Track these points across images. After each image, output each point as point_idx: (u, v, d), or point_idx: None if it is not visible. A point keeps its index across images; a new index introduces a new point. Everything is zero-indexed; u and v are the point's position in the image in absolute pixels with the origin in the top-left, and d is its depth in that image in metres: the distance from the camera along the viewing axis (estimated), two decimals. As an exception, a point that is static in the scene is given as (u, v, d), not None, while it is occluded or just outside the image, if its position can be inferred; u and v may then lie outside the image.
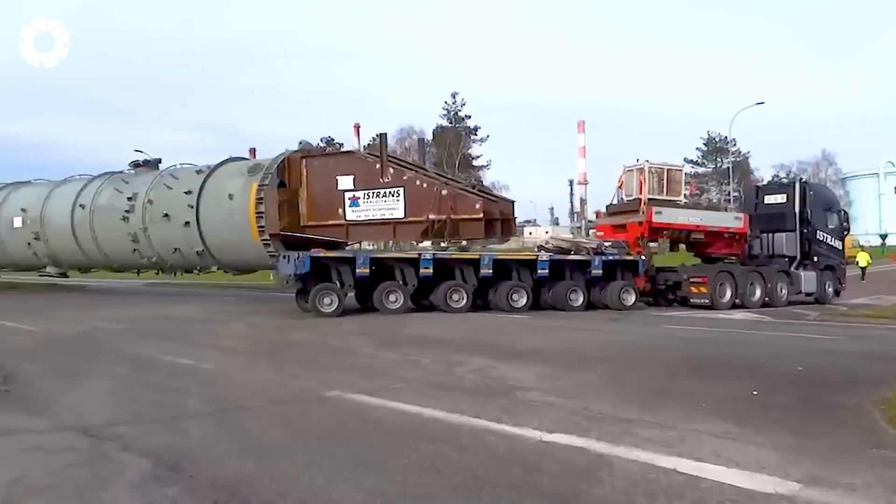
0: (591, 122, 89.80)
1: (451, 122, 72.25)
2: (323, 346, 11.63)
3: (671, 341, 12.40)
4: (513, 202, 20.13)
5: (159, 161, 23.61)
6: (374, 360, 9.92)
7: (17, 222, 25.46)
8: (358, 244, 21.12)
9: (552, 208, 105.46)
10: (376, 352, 10.67)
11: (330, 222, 18.55)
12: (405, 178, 17.87)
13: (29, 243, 25.28)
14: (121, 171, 24.07)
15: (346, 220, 18.30)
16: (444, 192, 17.41)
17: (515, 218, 20.39)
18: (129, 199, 21.66)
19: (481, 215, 17.21)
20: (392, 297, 16.70)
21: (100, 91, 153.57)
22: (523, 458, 4.85)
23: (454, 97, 72.66)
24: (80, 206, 23.33)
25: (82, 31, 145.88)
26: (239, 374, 8.73)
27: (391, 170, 18.00)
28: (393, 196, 17.68)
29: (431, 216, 17.15)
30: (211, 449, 5.16)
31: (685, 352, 10.66)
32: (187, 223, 20.07)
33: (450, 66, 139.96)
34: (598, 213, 23.89)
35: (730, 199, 55.12)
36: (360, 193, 18.06)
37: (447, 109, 73.03)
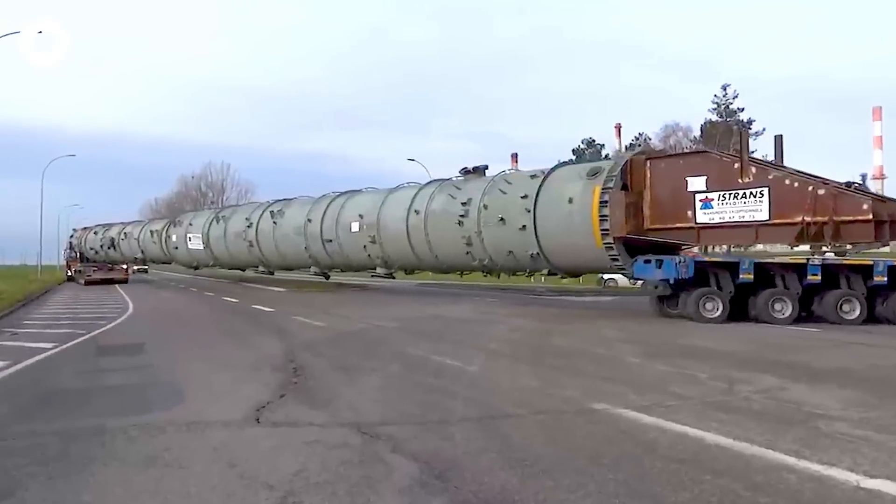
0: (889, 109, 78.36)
1: (721, 117, 67.29)
2: (586, 353, 11.17)
3: None
4: None
5: (486, 167, 24.36)
6: (643, 371, 9.22)
7: (355, 227, 27.77)
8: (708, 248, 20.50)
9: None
10: (645, 362, 9.93)
11: (677, 225, 17.71)
12: (770, 177, 16.44)
13: (364, 246, 27.22)
14: (449, 178, 25.31)
15: (696, 223, 17.33)
16: (821, 191, 15.71)
17: None
18: (464, 204, 22.45)
19: (870, 217, 15.22)
20: (778, 306, 15.70)
21: (381, 106, 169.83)
22: (838, 509, 3.98)
23: (724, 89, 67.64)
24: (415, 211, 24.68)
25: (362, 43, 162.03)
26: (503, 379, 8.63)
27: (753, 169, 16.75)
28: (755, 197, 16.40)
29: (807, 218, 15.62)
30: (475, 459, 5.00)
31: None
32: (523, 227, 20.28)
33: (716, 56, 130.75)
34: None
35: None
36: (713, 195, 17.02)
37: (717, 103, 68.24)
